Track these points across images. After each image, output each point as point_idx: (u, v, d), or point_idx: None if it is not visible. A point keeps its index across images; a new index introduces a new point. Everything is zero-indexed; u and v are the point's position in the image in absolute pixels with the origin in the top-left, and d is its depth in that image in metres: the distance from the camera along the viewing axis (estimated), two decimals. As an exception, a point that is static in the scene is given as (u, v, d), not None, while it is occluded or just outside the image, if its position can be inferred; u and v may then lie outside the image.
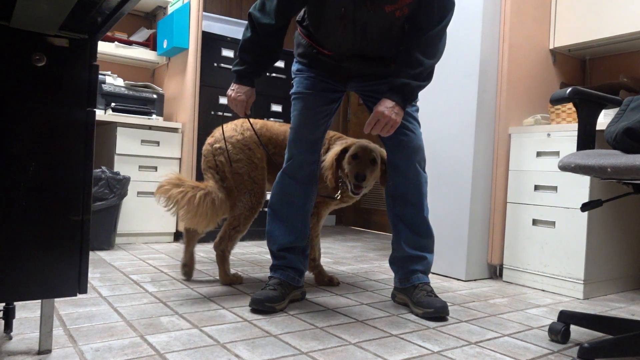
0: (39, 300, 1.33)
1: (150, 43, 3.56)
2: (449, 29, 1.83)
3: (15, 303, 1.35)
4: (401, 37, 1.71)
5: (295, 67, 1.88)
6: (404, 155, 1.77)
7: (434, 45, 1.65)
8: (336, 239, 3.79)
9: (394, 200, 1.83)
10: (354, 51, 1.71)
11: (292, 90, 1.86)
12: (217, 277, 2.18)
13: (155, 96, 3.21)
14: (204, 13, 3.24)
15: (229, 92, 1.75)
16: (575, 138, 1.49)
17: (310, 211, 1.87)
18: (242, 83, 1.74)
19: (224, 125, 2.04)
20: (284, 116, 3.51)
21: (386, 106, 1.59)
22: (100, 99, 2.96)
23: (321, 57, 1.77)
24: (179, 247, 3.00)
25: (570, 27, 2.54)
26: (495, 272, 2.51)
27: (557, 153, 2.24)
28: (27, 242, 1.11)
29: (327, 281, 2.14)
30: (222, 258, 2.05)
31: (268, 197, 1.92)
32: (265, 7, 1.66)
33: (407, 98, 1.63)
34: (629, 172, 1.13)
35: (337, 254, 3.05)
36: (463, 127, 2.41)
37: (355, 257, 2.94)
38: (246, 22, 1.71)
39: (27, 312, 1.55)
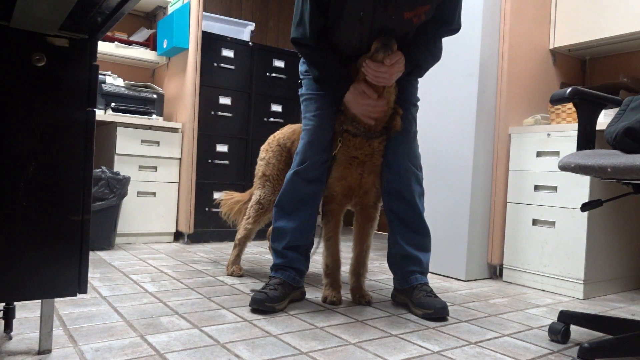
0: (39, 300, 1.33)
1: (150, 43, 3.55)
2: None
3: (15, 303, 1.35)
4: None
5: (302, 67, 1.87)
6: (396, 154, 1.79)
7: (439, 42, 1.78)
8: (336, 239, 3.79)
9: (389, 197, 1.84)
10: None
11: (302, 91, 1.85)
12: (217, 277, 2.19)
13: (155, 96, 3.21)
14: (204, 13, 3.23)
15: (360, 110, 1.69)
16: (575, 138, 1.49)
17: (318, 207, 1.86)
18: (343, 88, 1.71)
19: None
20: (284, 116, 3.51)
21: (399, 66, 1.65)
22: (100, 99, 2.96)
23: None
24: (179, 247, 3.00)
25: (570, 27, 2.54)
26: (495, 272, 2.51)
27: (557, 153, 2.24)
28: (27, 242, 1.11)
29: (358, 298, 1.87)
30: (234, 245, 2.29)
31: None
32: (303, 22, 1.65)
33: (414, 75, 1.77)
34: (629, 172, 1.13)
35: (337, 254, 3.05)
36: (463, 127, 2.41)
37: (355, 257, 2.93)
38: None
39: (27, 312, 1.55)
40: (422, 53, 1.72)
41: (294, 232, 1.80)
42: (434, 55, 1.76)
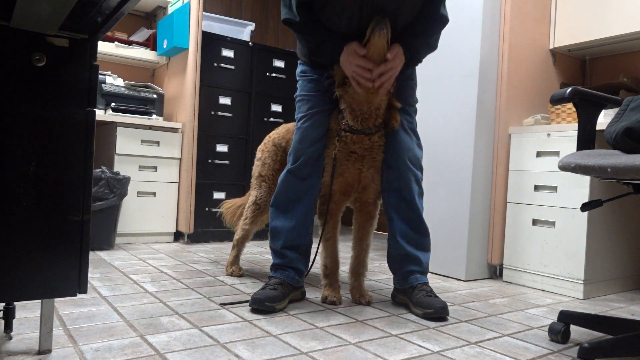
0: (39, 300, 1.33)
1: (150, 43, 3.55)
2: (449, 28, 1.84)
3: (15, 303, 1.35)
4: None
5: (299, 68, 1.89)
6: (395, 154, 1.80)
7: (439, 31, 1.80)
8: (336, 239, 3.79)
9: (388, 196, 1.84)
10: (360, 37, 1.69)
11: (297, 93, 1.87)
12: (217, 277, 2.19)
13: (155, 96, 3.21)
14: (204, 13, 3.23)
15: (351, 71, 1.64)
16: (575, 138, 1.49)
17: (314, 206, 1.86)
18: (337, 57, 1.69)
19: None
20: (284, 116, 3.51)
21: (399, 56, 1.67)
22: (100, 99, 2.96)
23: None
24: (179, 247, 3.00)
25: (570, 27, 2.54)
26: (495, 272, 2.51)
27: (557, 153, 2.24)
28: (27, 242, 1.11)
29: (358, 298, 1.86)
30: (233, 246, 2.29)
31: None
32: (290, 2, 1.68)
33: (411, 64, 1.81)
34: (629, 172, 1.13)
35: (337, 254, 3.05)
36: (463, 127, 2.41)
37: (355, 257, 2.93)
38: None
39: (27, 312, 1.55)
40: (419, 41, 1.73)
41: (291, 231, 1.80)
42: (430, 46, 1.78)
